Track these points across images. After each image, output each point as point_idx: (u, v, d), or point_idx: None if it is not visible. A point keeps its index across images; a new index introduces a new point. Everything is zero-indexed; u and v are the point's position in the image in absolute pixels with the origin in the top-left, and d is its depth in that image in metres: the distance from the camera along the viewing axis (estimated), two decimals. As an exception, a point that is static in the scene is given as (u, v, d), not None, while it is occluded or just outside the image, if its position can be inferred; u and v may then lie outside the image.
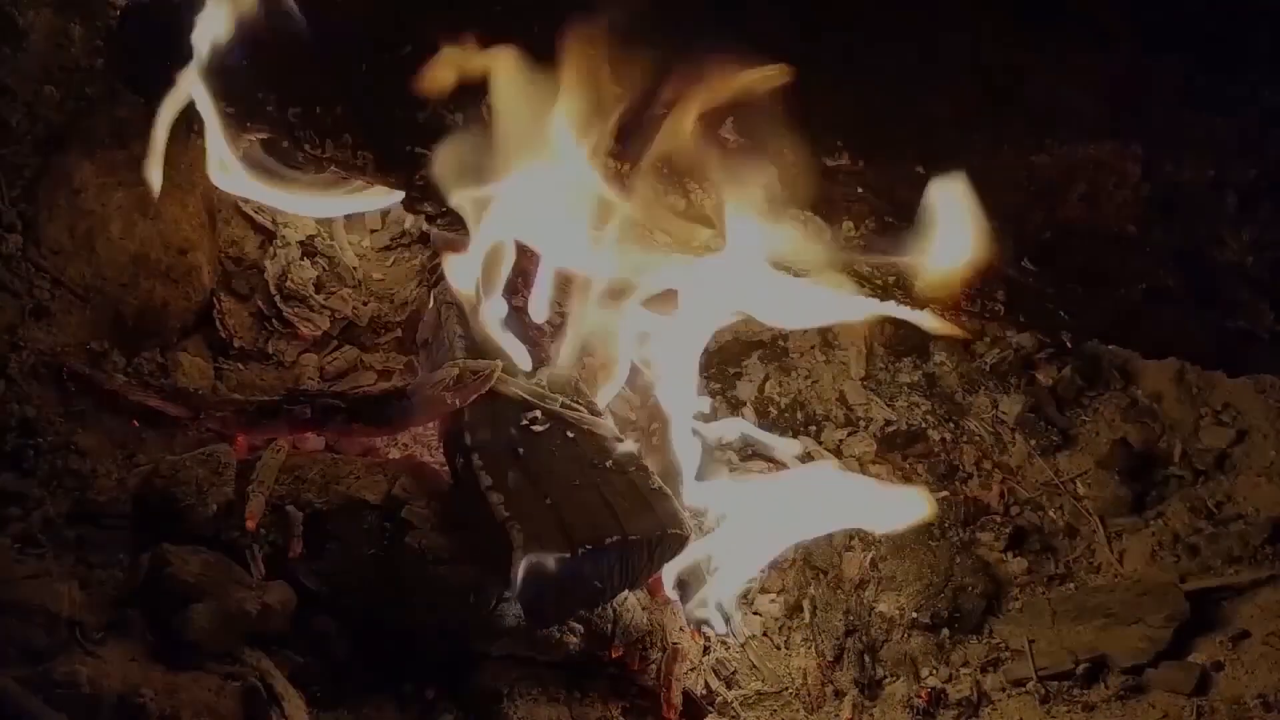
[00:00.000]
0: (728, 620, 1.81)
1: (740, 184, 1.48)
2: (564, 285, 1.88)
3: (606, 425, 1.77)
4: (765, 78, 1.39)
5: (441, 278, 2.04)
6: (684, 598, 1.81)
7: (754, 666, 1.81)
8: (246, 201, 2.17)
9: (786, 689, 1.78)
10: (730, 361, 2.22)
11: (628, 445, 1.73)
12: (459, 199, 1.65)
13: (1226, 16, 1.34)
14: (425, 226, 2.20)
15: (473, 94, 1.59)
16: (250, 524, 1.64)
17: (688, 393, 1.95)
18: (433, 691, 1.63)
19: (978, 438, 2.10)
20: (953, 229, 1.37)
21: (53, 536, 1.58)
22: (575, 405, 1.77)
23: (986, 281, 1.43)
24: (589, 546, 1.54)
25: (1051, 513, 2.02)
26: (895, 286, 1.51)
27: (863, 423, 2.13)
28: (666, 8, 1.48)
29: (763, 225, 1.50)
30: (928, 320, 1.55)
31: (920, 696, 1.77)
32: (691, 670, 1.75)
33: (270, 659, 1.53)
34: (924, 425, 2.11)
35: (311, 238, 2.22)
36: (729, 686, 1.78)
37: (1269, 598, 1.80)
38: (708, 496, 1.88)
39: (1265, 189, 1.29)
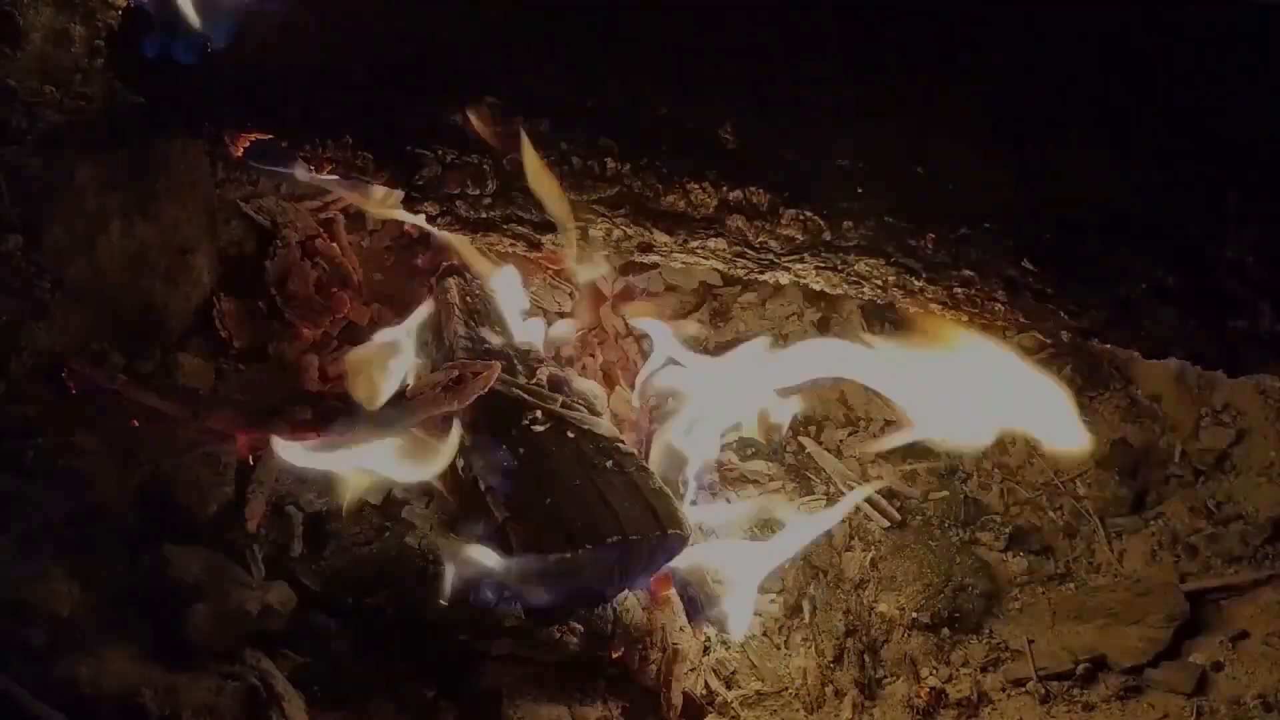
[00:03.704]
0: (726, 621, 1.80)
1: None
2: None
3: (606, 425, 1.77)
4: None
5: (442, 278, 2.05)
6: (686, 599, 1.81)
7: (754, 666, 1.81)
8: (247, 201, 2.18)
9: (786, 689, 1.78)
10: (730, 361, 2.22)
11: (628, 445, 1.73)
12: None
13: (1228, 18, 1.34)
14: (425, 226, 2.20)
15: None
16: (251, 525, 1.64)
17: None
18: (433, 691, 1.63)
19: (978, 437, 2.10)
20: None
21: (53, 536, 1.58)
22: (575, 405, 1.77)
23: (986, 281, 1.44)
24: (589, 546, 1.54)
25: (1051, 513, 2.02)
26: (895, 286, 1.51)
27: (863, 423, 2.12)
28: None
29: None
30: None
31: (920, 696, 1.77)
32: (691, 670, 1.75)
33: (270, 659, 1.53)
34: (924, 425, 2.11)
35: (312, 238, 2.22)
36: (729, 686, 1.78)
37: (1269, 598, 1.80)
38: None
39: (1265, 189, 1.29)
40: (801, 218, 1.48)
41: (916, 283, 1.49)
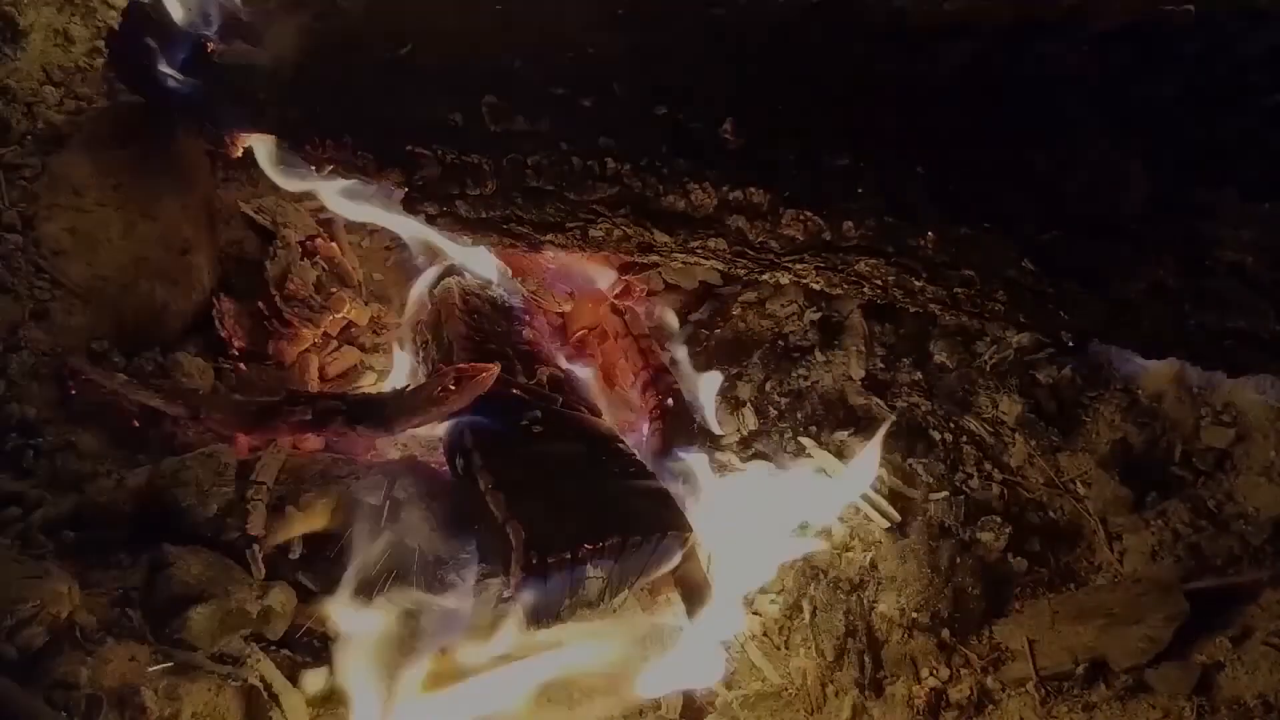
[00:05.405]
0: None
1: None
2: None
3: (606, 425, 1.77)
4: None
5: (442, 277, 2.05)
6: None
7: (754, 666, 1.81)
8: (247, 201, 2.18)
9: (786, 689, 1.78)
10: (731, 361, 2.22)
11: (628, 445, 1.73)
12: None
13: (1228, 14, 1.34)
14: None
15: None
16: (251, 527, 1.64)
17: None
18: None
19: (978, 438, 2.10)
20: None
21: (53, 536, 1.59)
22: (575, 405, 1.77)
23: (986, 281, 1.44)
24: (589, 546, 1.54)
25: (1051, 513, 2.02)
26: (895, 286, 1.51)
27: (863, 423, 2.12)
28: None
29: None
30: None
31: (920, 697, 1.77)
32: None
33: (270, 659, 1.53)
34: (924, 425, 2.11)
35: (312, 238, 2.22)
36: (729, 686, 1.77)
37: (1269, 598, 1.80)
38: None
39: (1265, 189, 1.29)
40: (801, 218, 1.48)
41: (916, 283, 1.48)
